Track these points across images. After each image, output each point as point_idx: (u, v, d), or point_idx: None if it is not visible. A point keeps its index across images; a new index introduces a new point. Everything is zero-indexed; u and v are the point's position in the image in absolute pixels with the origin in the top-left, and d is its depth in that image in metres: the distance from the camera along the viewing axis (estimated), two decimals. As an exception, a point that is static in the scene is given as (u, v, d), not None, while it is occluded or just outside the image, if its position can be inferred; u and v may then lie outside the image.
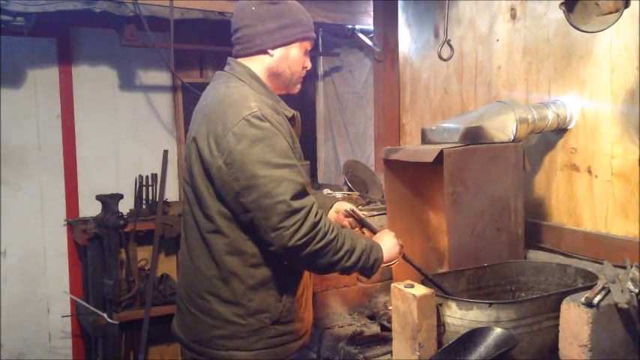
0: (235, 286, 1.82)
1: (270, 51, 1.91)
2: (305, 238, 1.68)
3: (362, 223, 2.12)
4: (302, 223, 1.68)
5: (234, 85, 1.87)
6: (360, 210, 3.00)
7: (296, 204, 1.68)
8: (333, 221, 1.98)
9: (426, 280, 2.00)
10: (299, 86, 2.03)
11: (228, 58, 2.00)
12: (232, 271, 1.82)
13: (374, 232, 2.07)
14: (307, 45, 1.98)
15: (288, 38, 1.92)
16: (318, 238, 1.70)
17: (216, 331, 1.85)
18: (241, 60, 1.94)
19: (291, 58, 1.94)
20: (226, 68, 1.97)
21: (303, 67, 1.99)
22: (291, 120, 1.94)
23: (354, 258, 1.80)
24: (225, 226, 1.80)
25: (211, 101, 1.85)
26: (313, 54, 1.90)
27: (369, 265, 1.86)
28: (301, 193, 1.71)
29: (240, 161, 1.70)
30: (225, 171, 1.73)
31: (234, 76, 1.91)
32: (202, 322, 1.87)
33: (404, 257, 2.03)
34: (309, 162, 2.04)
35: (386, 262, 1.93)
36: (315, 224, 1.70)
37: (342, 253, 1.77)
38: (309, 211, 1.70)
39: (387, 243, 1.95)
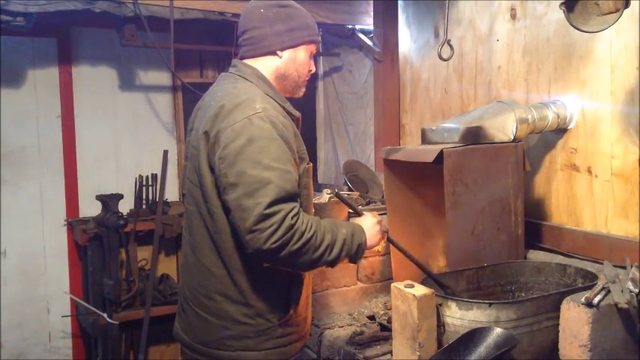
0: (243, 285, 1.82)
1: (278, 52, 1.92)
2: (281, 241, 1.64)
3: (347, 205, 2.10)
4: (278, 226, 1.64)
5: (242, 86, 1.87)
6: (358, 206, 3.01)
7: (274, 208, 1.65)
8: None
9: (426, 279, 2.01)
10: (304, 90, 2.04)
11: (233, 60, 1.99)
12: (240, 271, 1.81)
13: (359, 214, 2.05)
14: (313, 49, 2.00)
15: (295, 40, 1.93)
16: (295, 238, 1.67)
17: (225, 332, 1.84)
18: (248, 61, 1.95)
19: (299, 60, 1.96)
20: (232, 70, 1.96)
21: (309, 71, 2.01)
22: (296, 121, 1.95)
23: (335, 251, 1.77)
24: (230, 224, 1.78)
25: (219, 100, 1.84)
26: (313, 54, 1.93)
27: (352, 253, 1.83)
28: (283, 199, 1.67)
29: (232, 157, 1.69)
30: (218, 165, 1.72)
31: (241, 77, 1.91)
32: (209, 323, 1.86)
33: (389, 239, 2.01)
34: (311, 164, 2.03)
35: (369, 246, 1.90)
36: (292, 226, 1.66)
37: (322, 249, 1.74)
38: (287, 214, 1.66)
39: (368, 225, 1.91)
